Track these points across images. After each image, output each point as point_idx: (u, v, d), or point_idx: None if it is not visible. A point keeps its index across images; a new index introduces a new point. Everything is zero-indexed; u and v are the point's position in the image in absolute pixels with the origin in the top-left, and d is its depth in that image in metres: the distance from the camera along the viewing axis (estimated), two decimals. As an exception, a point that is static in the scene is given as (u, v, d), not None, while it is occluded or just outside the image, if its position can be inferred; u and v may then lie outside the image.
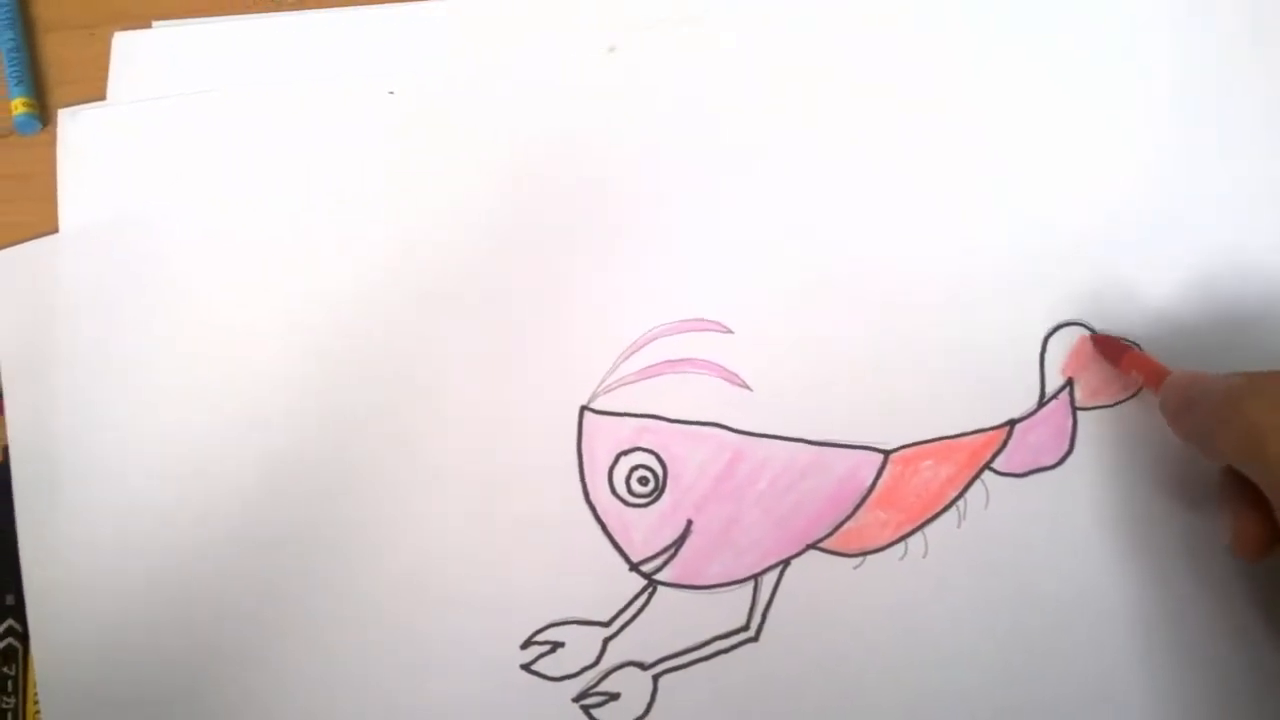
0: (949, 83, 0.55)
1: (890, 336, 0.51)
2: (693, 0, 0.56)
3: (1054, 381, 0.50)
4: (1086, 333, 0.51)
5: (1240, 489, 0.44)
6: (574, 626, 0.48)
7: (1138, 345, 0.50)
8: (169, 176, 0.54)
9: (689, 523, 0.49)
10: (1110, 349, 0.50)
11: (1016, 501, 0.49)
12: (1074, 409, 0.50)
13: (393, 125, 0.54)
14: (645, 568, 0.48)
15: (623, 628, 0.48)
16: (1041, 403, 0.50)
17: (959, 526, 0.49)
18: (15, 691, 0.48)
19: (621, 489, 0.49)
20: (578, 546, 0.49)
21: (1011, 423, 0.50)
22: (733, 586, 0.48)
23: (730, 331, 0.51)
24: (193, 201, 0.53)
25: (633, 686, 0.47)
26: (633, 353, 0.51)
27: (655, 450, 0.49)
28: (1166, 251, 0.52)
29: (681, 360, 0.51)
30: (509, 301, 0.52)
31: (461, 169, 0.54)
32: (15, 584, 0.49)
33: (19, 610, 0.48)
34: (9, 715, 0.48)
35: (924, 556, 0.48)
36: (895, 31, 0.56)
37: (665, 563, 0.48)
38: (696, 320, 0.51)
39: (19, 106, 0.55)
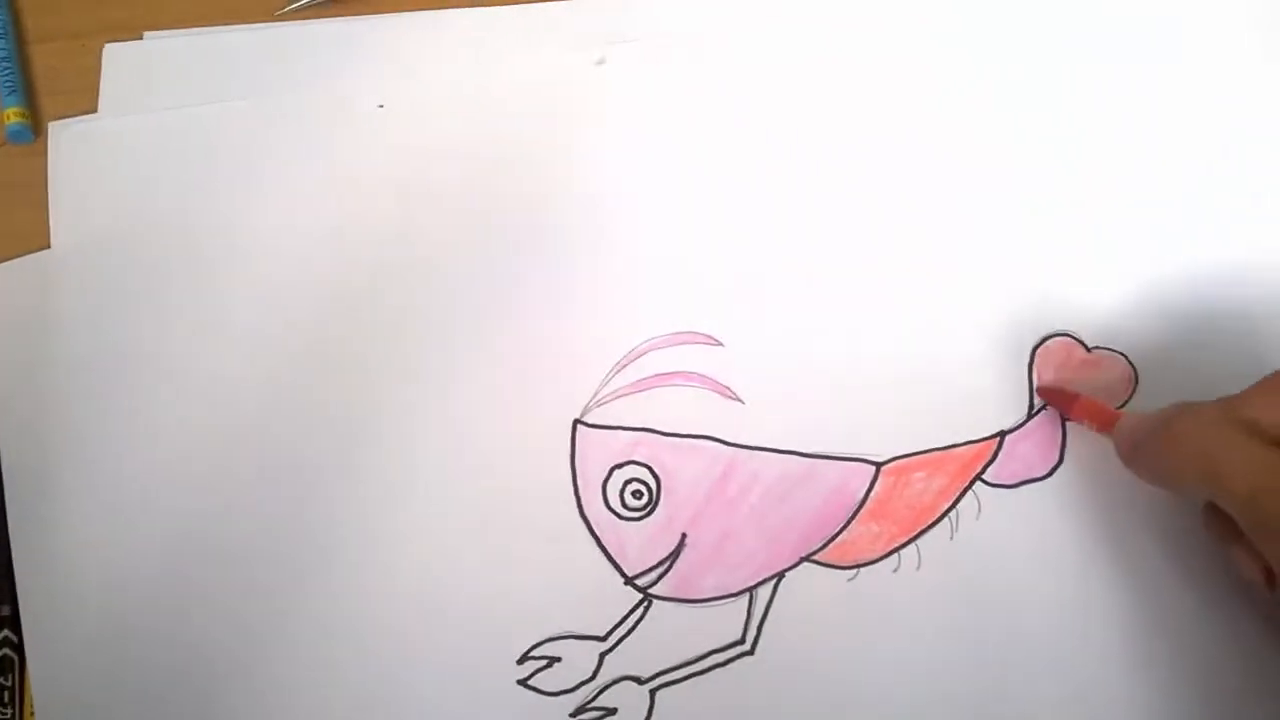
0: (939, 94, 0.55)
1: (880, 348, 0.51)
2: (681, 13, 0.56)
3: (1042, 393, 0.51)
4: (1075, 343, 0.51)
5: (1219, 519, 0.44)
6: (570, 641, 0.48)
7: (1133, 363, 0.51)
8: (159, 189, 0.54)
9: (683, 536, 0.49)
10: (1059, 399, 0.50)
11: (1008, 513, 0.49)
12: (1063, 420, 0.50)
13: (382, 138, 0.54)
14: (640, 581, 0.48)
15: (619, 642, 0.48)
16: (1030, 414, 0.50)
17: (951, 538, 0.49)
18: (12, 702, 0.48)
19: (615, 503, 0.49)
20: (572, 561, 0.49)
21: (1001, 434, 0.50)
22: (728, 600, 0.48)
23: (720, 344, 0.51)
24: (183, 214, 0.53)
25: (629, 701, 0.47)
26: (624, 366, 0.51)
27: (648, 463, 0.49)
28: (1155, 263, 0.52)
29: (673, 373, 0.51)
30: (500, 314, 0.52)
31: (451, 182, 0.54)
32: (10, 595, 0.49)
33: (14, 621, 0.48)
34: (7, 727, 0.49)
35: (917, 568, 0.49)
36: (884, 43, 0.56)
37: (660, 576, 0.48)
38: (687, 333, 0.51)
39: (12, 116, 0.55)
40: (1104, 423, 0.47)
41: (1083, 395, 0.49)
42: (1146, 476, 0.45)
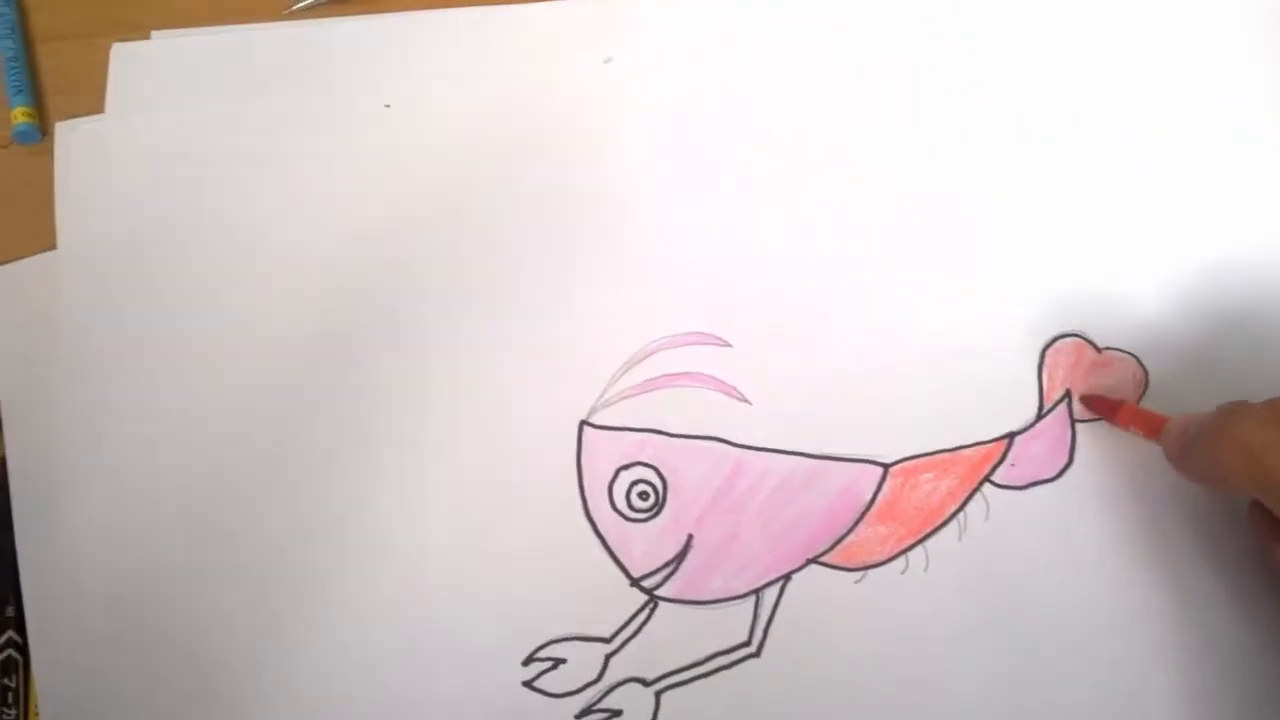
0: (946, 93, 0.55)
1: (888, 349, 0.51)
2: (689, 12, 0.56)
3: (1052, 394, 0.50)
4: (1085, 344, 0.51)
5: (1264, 518, 0.44)
6: (576, 643, 0.47)
7: (1143, 364, 0.50)
8: (166, 189, 0.54)
9: (689, 537, 0.49)
10: (1103, 407, 0.50)
11: (1017, 514, 0.49)
12: (1072, 421, 0.50)
13: (389, 138, 0.54)
14: (646, 583, 0.48)
15: (624, 644, 0.47)
16: (1040, 415, 0.50)
17: (960, 540, 0.49)
18: (16, 703, 0.48)
19: (622, 504, 0.49)
20: (578, 562, 0.48)
21: (1010, 435, 0.50)
22: (734, 602, 0.48)
23: (728, 345, 0.51)
24: (190, 215, 0.53)
25: (635, 703, 0.47)
26: (631, 367, 0.51)
27: (655, 464, 0.49)
28: (1166, 263, 0.52)
29: (680, 374, 0.51)
30: (507, 315, 0.52)
31: (457, 182, 0.54)
32: (15, 595, 0.48)
33: (19, 621, 0.48)
34: (11, 727, 0.49)
35: (925, 570, 0.48)
36: (893, 41, 0.56)
37: (666, 578, 0.48)
38: (694, 334, 0.51)
39: (19, 116, 0.55)
40: (1150, 428, 0.48)
41: (1128, 401, 0.49)
42: (1194, 477, 0.45)
